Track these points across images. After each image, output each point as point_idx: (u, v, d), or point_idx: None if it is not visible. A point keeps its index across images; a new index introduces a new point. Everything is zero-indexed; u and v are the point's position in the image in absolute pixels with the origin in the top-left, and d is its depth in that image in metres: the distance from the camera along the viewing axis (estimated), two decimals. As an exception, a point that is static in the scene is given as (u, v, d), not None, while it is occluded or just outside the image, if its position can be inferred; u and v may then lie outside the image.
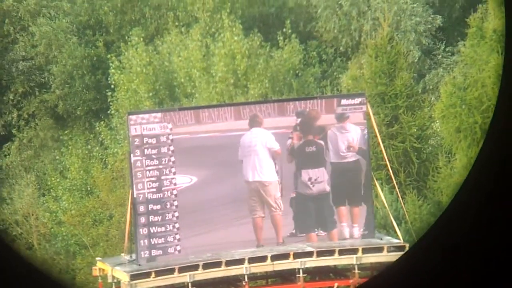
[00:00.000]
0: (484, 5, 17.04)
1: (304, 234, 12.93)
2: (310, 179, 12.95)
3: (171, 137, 12.79)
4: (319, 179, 12.94)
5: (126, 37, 22.46)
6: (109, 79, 21.75)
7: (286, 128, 13.00)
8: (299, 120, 13.01)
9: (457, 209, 3.98)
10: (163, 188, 12.71)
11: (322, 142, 13.00)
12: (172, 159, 12.77)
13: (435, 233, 4.17)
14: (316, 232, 12.98)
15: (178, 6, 23.79)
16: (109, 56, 22.18)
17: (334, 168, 13.04)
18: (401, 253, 12.52)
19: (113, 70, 21.59)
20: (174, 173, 12.74)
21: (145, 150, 12.72)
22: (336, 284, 12.45)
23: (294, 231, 12.90)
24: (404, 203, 14.35)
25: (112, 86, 21.45)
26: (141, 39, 21.71)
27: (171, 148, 12.79)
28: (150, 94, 20.75)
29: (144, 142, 12.70)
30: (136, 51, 21.38)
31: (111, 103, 21.41)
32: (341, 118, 13.08)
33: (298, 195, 12.95)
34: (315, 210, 12.97)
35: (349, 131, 13.09)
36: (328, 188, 12.99)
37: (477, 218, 3.89)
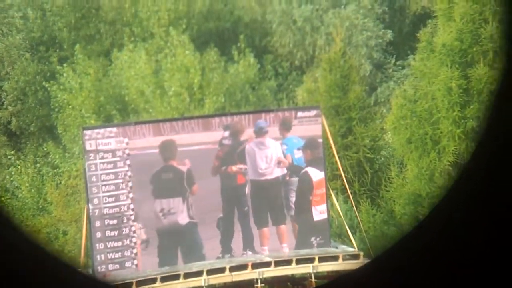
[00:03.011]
0: (433, 20, 17.64)
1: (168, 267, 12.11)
2: (162, 210, 12.09)
3: (127, 151, 12.76)
4: (172, 210, 12.07)
5: (82, 52, 22.36)
6: (51, 101, 21.57)
7: (212, 143, 12.41)
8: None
9: (435, 217, 4.12)
10: (119, 203, 12.65)
11: (182, 168, 12.19)
12: (129, 173, 12.73)
13: (404, 242, 4.31)
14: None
15: (133, 21, 23.83)
16: (44, 83, 22.03)
17: (253, 186, 12.56)
18: (356, 261, 12.76)
19: (53, 93, 21.45)
20: (131, 188, 12.70)
21: (101, 165, 12.66)
22: None
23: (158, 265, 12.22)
24: (358, 212, 14.63)
25: (56, 110, 21.28)
26: (84, 56, 21.65)
27: (128, 162, 12.76)
28: (96, 109, 20.64)
29: (100, 157, 12.64)
30: (80, 69, 21.30)
31: (56, 125, 21.21)
32: (260, 133, 12.50)
33: (156, 230, 12.03)
34: (175, 245, 12.09)
35: (268, 146, 12.55)
36: (183, 221, 12.16)
37: (456, 228, 4.03)
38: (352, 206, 14.21)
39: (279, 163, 12.57)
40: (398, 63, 23.85)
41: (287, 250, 12.83)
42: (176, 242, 12.39)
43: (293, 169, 12.68)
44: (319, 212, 12.86)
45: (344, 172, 14.73)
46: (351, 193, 14.40)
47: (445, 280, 3.99)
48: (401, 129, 15.31)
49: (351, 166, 16.68)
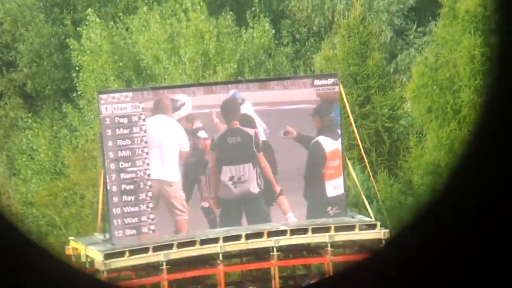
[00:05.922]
0: (456, -14, 17.13)
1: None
2: (232, 178, 11.02)
3: (143, 116, 12.64)
4: (243, 177, 11.00)
5: (94, 15, 22.05)
6: (72, 60, 21.40)
7: (268, 104, 11.58)
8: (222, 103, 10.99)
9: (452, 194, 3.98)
10: (136, 168, 12.61)
11: (251, 130, 11.09)
12: (145, 139, 12.64)
13: (424, 217, 4.18)
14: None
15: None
16: (67, 40, 21.81)
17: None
18: (373, 231, 12.68)
19: (74, 52, 21.25)
20: (147, 153, 12.63)
21: (117, 130, 12.57)
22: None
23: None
24: (375, 182, 14.50)
25: (77, 68, 21.12)
26: (97, 18, 21.32)
27: (143, 127, 12.65)
28: (117, 73, 20.42)
29: (116, 122, 12.54)
30: (95, 31, 20.98)
31: (77, 85, 21.08)
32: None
33: (219, 200, 11.11)
34: (243, 216, 11.35)
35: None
36: (255, 190, 11.32)
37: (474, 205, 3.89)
38: (369, 176, 14.07)
39: (285, 133, 11.56)
40: (419, 29, 23.29)
41: (293, 219, 12.35)
42: (241, 207, 11.75)
43: (302, 139, 11.60)
44: (333, 188, 11.83)
45: (362, 142, 14.55)
46: (368, 163, 14.25)
47: (467, 253, 3.87)
48: (421, 98, 15.06)
49: (369, 135, 16.49)
